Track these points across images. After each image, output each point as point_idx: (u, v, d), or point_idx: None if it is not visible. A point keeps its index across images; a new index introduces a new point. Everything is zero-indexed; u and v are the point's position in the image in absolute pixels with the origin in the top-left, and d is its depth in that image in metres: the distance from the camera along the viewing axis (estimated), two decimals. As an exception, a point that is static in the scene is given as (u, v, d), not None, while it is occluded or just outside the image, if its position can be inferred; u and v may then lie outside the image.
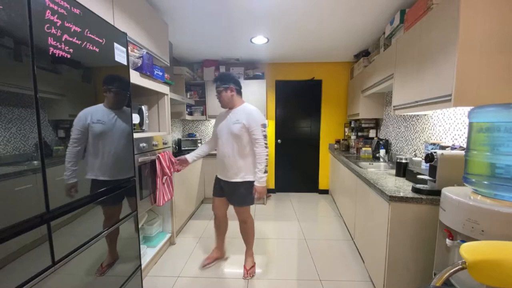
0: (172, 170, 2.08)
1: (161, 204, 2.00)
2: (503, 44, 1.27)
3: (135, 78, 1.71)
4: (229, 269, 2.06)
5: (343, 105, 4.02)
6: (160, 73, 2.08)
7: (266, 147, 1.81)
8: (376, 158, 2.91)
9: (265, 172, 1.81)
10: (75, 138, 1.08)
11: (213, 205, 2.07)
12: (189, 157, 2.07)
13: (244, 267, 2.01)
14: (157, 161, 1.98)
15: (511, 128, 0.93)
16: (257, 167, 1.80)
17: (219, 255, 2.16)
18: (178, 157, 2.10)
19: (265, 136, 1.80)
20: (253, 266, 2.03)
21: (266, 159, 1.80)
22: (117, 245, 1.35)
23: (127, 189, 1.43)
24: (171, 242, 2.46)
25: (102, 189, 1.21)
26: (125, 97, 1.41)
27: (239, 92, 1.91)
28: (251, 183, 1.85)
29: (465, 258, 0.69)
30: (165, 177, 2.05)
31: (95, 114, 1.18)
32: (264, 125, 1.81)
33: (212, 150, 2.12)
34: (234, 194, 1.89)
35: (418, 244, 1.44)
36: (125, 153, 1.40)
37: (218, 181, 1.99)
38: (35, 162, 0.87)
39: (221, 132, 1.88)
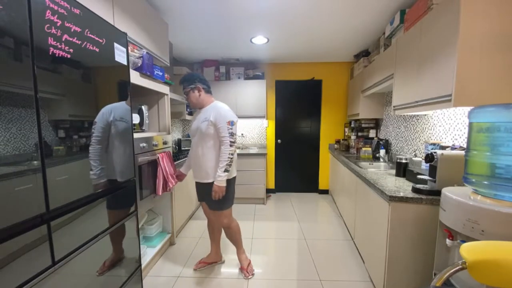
0: (174, 170, 2.09)
1: (160, 193, 1.99)
2: (503, 44, 1.27)
3: (135, 78, 1.71)
4: (229, 269, 2.06)
5: (343, 105, 4.02)
6: (160, 73, 2.08)
7: (231, 146, 1.73)
8: (376, 158, 2.91)
9: (225, 171, 1.72)
10: (98, 136, 1.05)
11: (203, 210, 2.05)
12: (183, 169, 2.10)
13: (242, 267, 2.01)
14: (158, 159, 1.99)
15: (511, 128, 0.93)
16: (218, 165, 1.74)
17: (215, 259, 2.11)
18: (176, 174, 2.10)
19: (231, 134, 1.74)
20: (249, 263, 2.03)
21: (229, 158, 1.72)
22: (117, 245, 1.35)
23: (127, 189, 1.43)
24: (171, 242, 2.46)
25: (103, 189, 1.21)
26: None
27: (208, 91, 1.88)
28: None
29: (465, 258, 0.69)
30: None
31: (117, 111, 1.15)
32: (231, 123, 1.74)
33: None
34: (209, 196, 1.81)
35: (418, 244, 1.44)
36: (128, 153, 1.40)
37: (196, 184, 1.95)
38: (35, 162, 0.86)
39: (193, 133, 1.87)
